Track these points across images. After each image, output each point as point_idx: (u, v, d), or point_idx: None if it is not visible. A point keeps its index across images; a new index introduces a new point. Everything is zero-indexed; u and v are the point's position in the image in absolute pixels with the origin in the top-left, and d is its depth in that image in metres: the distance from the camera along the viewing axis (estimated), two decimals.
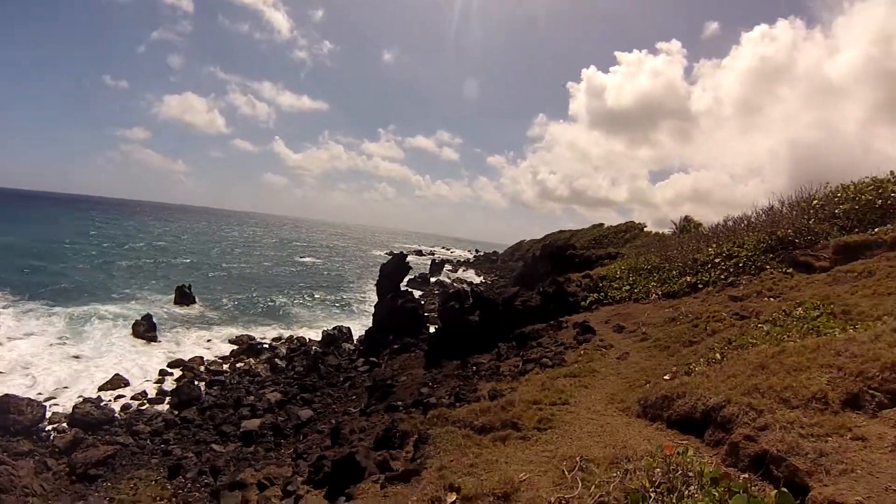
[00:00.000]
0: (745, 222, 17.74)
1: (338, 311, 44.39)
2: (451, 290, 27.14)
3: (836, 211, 15.04)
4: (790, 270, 13.66)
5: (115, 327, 30.09)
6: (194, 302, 39.07)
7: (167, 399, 21.97)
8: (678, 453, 4.14)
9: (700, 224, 26.65)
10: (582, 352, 11.16)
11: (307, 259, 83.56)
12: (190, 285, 40.22)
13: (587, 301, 17.38)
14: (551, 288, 18.50)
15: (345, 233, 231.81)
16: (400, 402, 15.03)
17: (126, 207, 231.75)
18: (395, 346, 27.13)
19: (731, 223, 18.67)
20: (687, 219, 29.64)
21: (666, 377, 8.70)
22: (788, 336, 9.00)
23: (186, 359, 26.92)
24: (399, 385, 19.07)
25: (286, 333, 34.90)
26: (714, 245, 16.92)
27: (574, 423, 6.69)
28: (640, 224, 41.61)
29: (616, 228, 43.52)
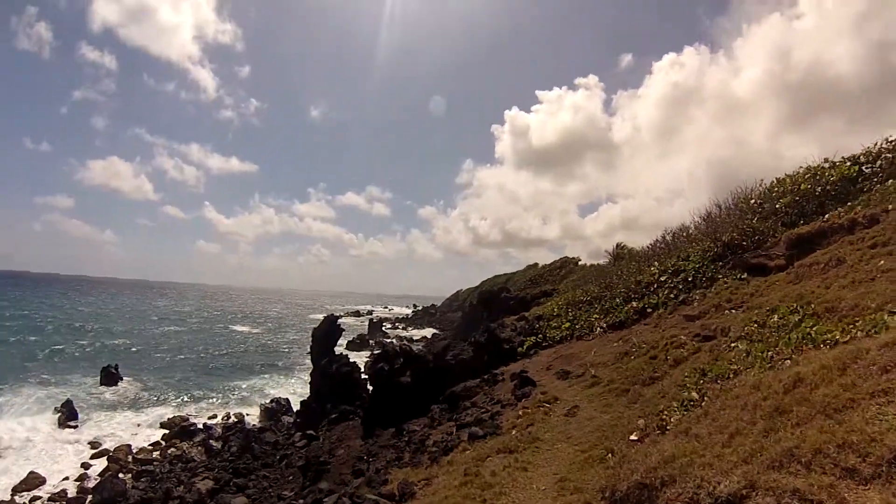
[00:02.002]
0: (685, 234, 16.11)
1: (277, 381, 40.77)
2: (380, 350, 24.21)
3: (777, 206, 13.66)
4: (744, 276, 11.96)
5: (32, 417, 26.69)
6: (122, 383, 35.26)
7: (88, 498, 19.13)
8: None
9: (632, 249, 25.39)
10: (521, 412, 8.63)
11: (244, 328, 78.42)
12: (117, 365, 36.40)
13: (524, 346, 15.01)
14: (483, 336, 16.03)
15: (282, 298, 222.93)
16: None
17: (49, 282, 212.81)
18: (333, 416, 24.10)
19: (669, 238, 17.01)
20: (620, 246, 28.50)
21: (633, 437, 6.25)
22: (778, 353, 6.84)
23: (112, 448, 24.06)
24: (335, 460, 16.55)
25: (223, 411, 31.62)
26: (657, 263, 15.11)
27: None
28: (574, 258, 40.30)
29: (551, 266, 42.00)
